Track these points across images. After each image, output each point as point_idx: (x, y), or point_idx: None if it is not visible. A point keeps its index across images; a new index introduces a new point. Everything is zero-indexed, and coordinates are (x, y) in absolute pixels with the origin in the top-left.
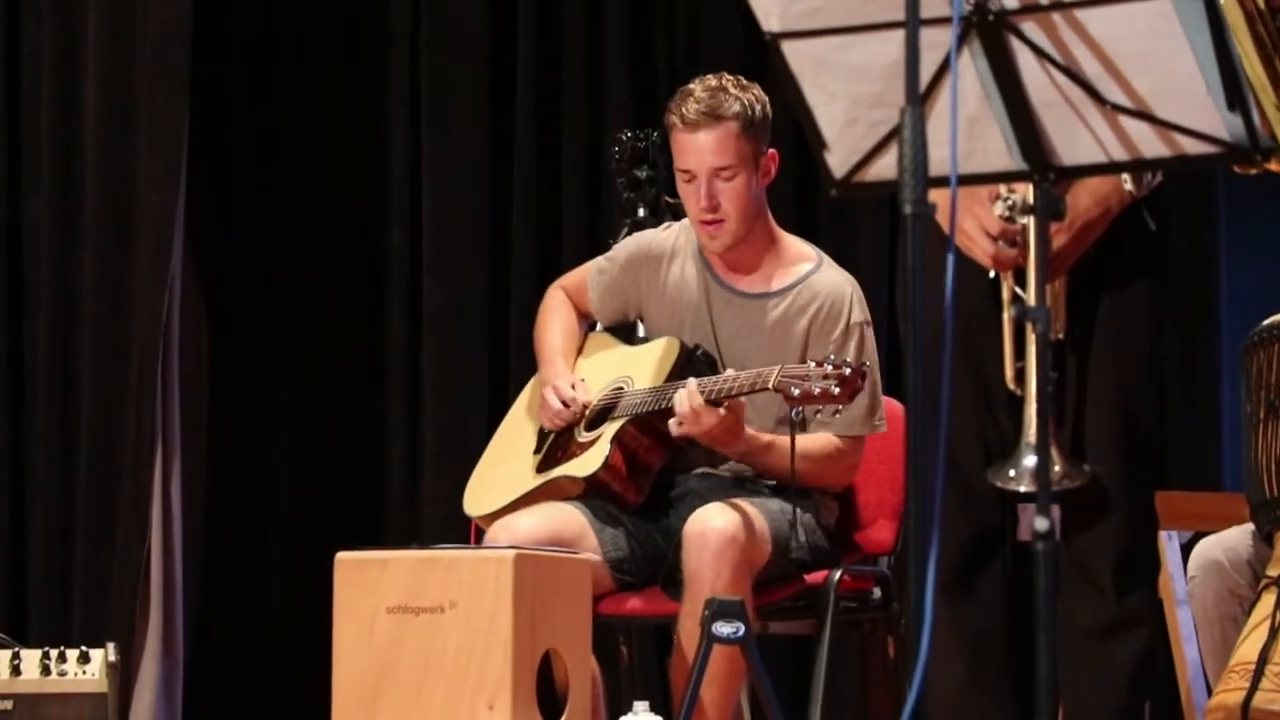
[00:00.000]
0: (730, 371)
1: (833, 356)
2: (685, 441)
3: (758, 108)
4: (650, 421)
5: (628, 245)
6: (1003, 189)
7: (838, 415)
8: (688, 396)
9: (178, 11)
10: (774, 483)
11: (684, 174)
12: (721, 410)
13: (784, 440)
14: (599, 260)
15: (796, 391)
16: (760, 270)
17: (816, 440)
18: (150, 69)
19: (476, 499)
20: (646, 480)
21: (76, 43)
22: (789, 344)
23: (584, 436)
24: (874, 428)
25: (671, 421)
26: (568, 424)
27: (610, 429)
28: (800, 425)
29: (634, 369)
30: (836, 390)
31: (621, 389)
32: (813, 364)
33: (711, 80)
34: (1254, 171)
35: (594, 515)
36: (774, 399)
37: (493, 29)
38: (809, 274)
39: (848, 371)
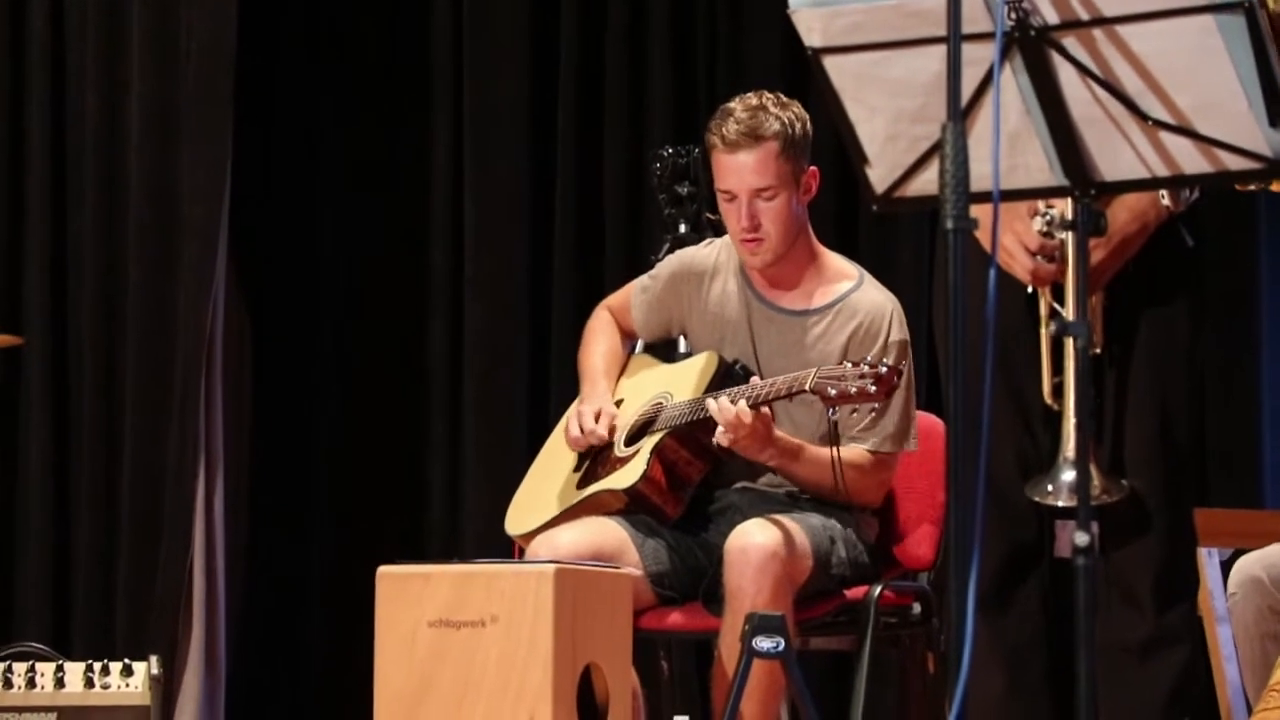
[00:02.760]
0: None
1: (869, 356)
2: (725, 454)
3: (798, 126)
4: (689, 433)
5: (670, 262)
6: (1041, 204)
7: (872, 415)
8: (727, 404)
9: (222, 26)
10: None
11: (725, 194)
12: (762, 410)
13: (814, 448)
14: (642, 278)
15: (833, 392)
16: (801, 287)
17: (849, 451)
18: (194, 83)
19: (518, 519)
20: (686, 493)
21: (121, 57)
22: (828, 361)
23: (623, 451)
24: (905, 445)
25: (718, 431)
26: (589, 449)
27: (649, 442)
28: (833, 430)
29: (673, 384)
30: (873, 388)
31: (661, 404)
32: (849, 364)
33: (752, 99)
34: (1253, 188)
35: (635, 530)
36: (813, 415)
37: (535, 46)
38: (850, 291)
39: (883, 370)
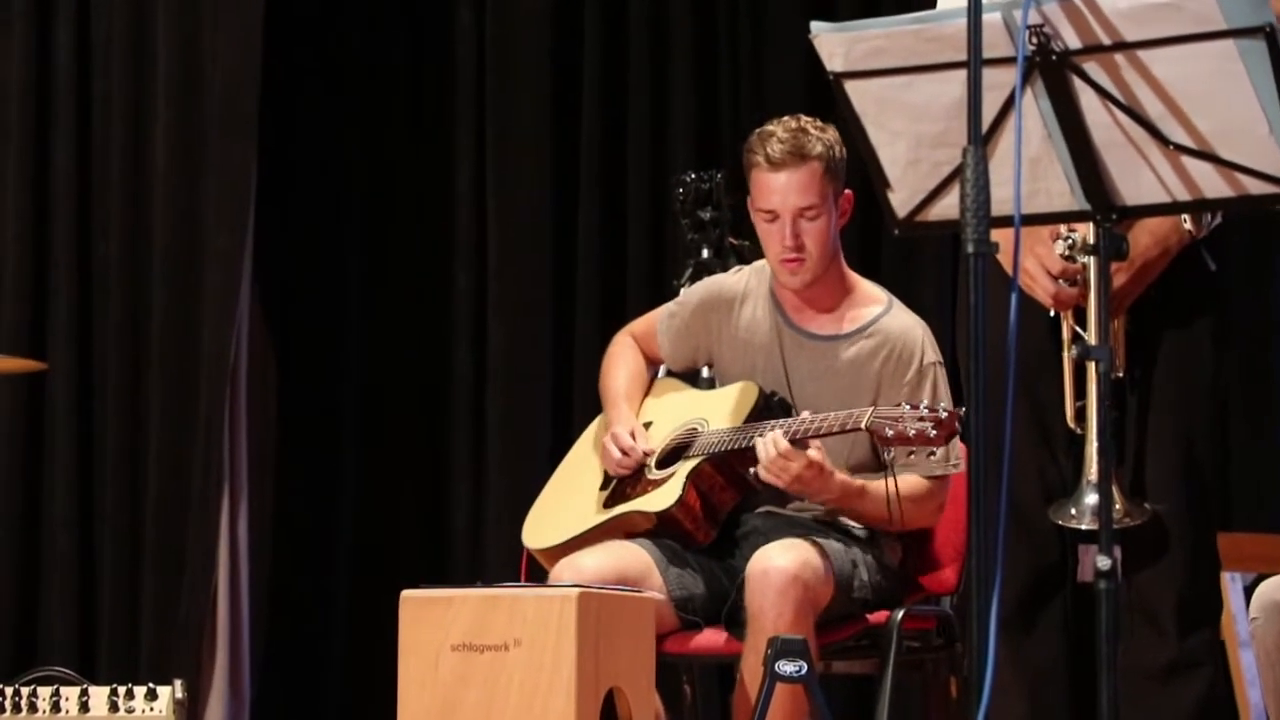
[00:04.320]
0: (813, 413)
1: (926, 401)
2: (761, 485)
3: (836, 149)
4: (727, 461)
5: (698, 290)
6: (1063, 228)
7: (931, 458)
8: (772, 443)
9: (246, 55)
10: (839, 521)
11: (766, 214)
12: (810, 453)
13: (876, 485)
14: (669, 305)
15: (890, 433)
16: (832, 312)
17: (907, 482)
18: (219, 112)
19: (537, 532)
20: (717, 521)
21: (146, 86)
22: (861, 386)
23: (655, 474)
24: (953, 467)
25: (759, 469)
26: (630, 471)
27: (685, 467)
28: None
29: (708, 411)
30: (933, 433)
31: (696, 429)
32: (907, 406)
33: (790, 121)
34: None
35: (659, 554)
36: (843, 444)
37: (557, 72)
38: (879, 316)
39: (944, 414)
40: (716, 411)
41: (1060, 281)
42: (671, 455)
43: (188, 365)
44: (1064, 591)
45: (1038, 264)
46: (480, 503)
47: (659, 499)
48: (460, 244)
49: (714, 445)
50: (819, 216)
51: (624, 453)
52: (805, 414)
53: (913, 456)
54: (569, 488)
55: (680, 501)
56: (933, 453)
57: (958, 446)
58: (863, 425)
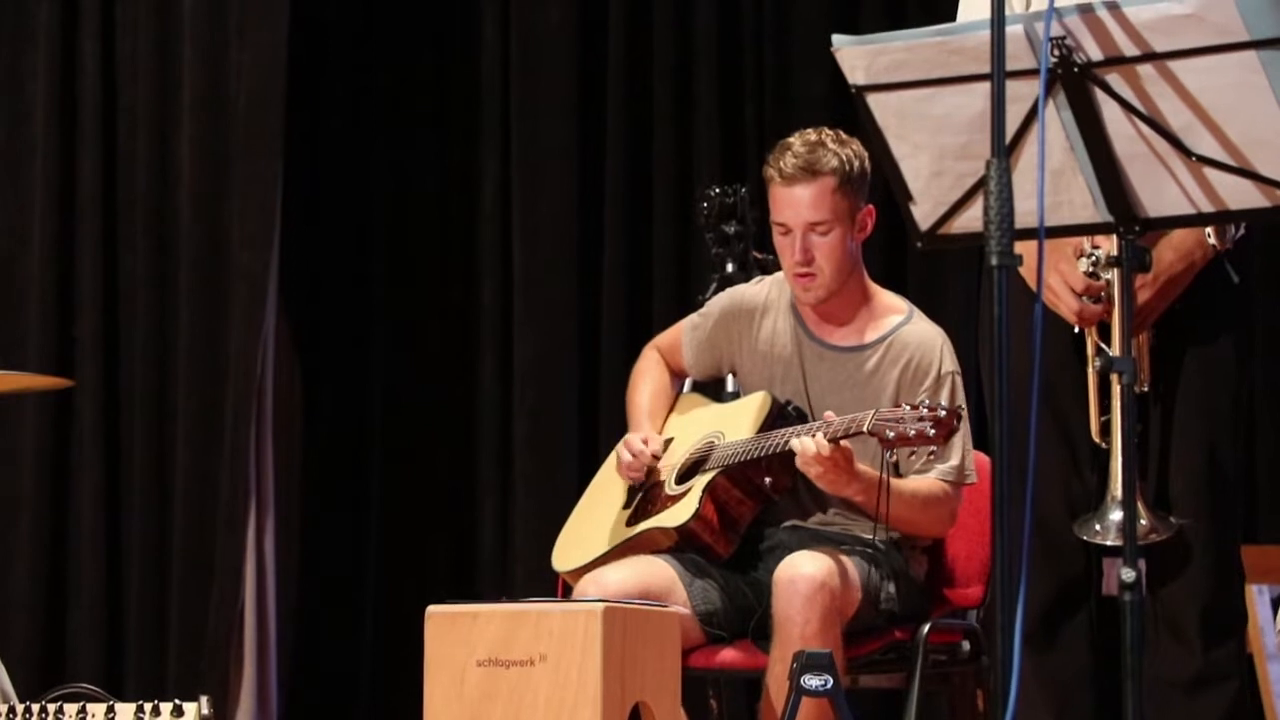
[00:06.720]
0: (824, 417)
1: (926, 400)
2: (777, 494)
3: (856, 163)
4: (742, 472)
5: (720, 300)
6: (1086, 245)
7: (933, 457)
8: (809, 438)
9: (272, 72)
10: (865, 536)
11: (780, 227)
12: (843, 444)
13: (897, 481)
14: (693, 316)
15: (892, 434)
16: (852, 324)
17: (925, 480)
18: (244, 129)
19: (565, 555)
20: (737, 533)
21: (172, 103)
22: (880, 397)
23: (674, 489)
24: (965, 477)
25: (797, 460)
26: (642, 475)
27: (701, 480)
28: (894, 470)
29: (725, 424)
30: (932, 431)
31: (712, 443)
32: (907, 407)
33: (811, 134)
34: None
35: (684, 568)
36: (866, 449)
37: (582, 85)
38: (899, 326)
39: (943, 413)
40: (732, 423)
41: (1084, 299)
42: (690, 469)
43: (214, 382)
44: (1089, 604)
45: (1061, 281)
46: (507, 518)
47: (677, 514)
48: (485, 259)
49: (728, 457)
50: (830, 231)
51: (634, 455)
52: (812, 423)
53: (914, 456)
54: (594, 509)
55: (697, 515)
56: (933, 452)
57: (973, 458)
58: (865, 429)
